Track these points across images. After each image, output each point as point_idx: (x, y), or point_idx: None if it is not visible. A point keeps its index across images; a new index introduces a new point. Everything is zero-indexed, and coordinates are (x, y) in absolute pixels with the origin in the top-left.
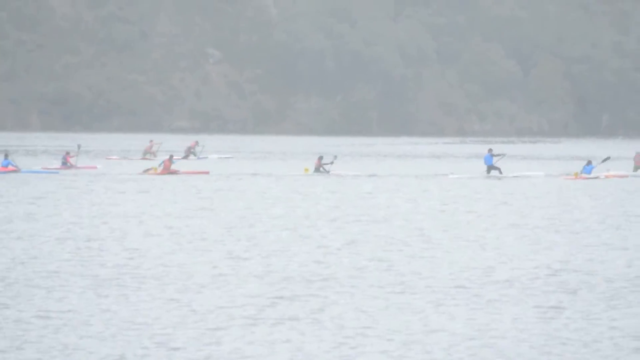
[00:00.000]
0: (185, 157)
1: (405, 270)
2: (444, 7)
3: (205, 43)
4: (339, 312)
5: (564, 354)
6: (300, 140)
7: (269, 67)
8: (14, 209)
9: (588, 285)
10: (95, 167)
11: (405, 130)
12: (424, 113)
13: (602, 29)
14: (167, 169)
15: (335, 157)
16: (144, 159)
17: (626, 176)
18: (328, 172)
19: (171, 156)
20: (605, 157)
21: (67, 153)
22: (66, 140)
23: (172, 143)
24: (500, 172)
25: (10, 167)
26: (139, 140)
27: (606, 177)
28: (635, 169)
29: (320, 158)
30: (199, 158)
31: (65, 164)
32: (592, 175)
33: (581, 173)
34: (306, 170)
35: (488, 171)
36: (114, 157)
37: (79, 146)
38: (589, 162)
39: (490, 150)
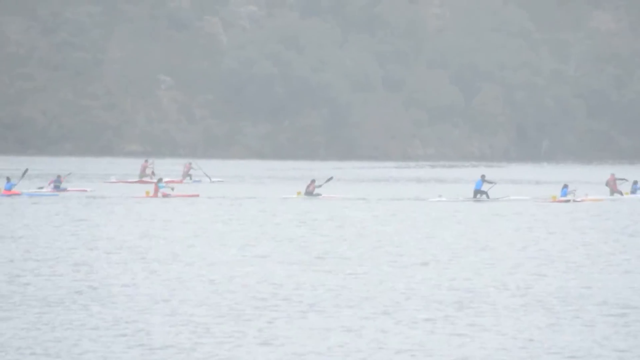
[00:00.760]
0: (182, 180)
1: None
2: (389, 35)
3: (156, 69)
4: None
5: None
6: (250, 164)
7: (219, 93)
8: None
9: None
10: (86, 190)
11: (351, 154)
12: (369, 138)
13: (542, 57)
14: (157, 192)
15: (331, 178)
16: (141, 181)
17: (602, 200)
18: (319, 194)
19: (160, 179)
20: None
21: (59, 176)
22: (21, 164)
23: (166, 167)
24: (488, 197)
25: (14, 191)
26: (92, 164)
27: (583, 200)
28: (612, 193)
29: (313, 181)
30: (194, 181)
31: (57, 187)
32: (567, 198)
33: (559, 197)
34: (298, 193)
35: (474, 195)
36: (113, 180)
37: (69, 173)
38: (565, 186)
39: (482, 176)
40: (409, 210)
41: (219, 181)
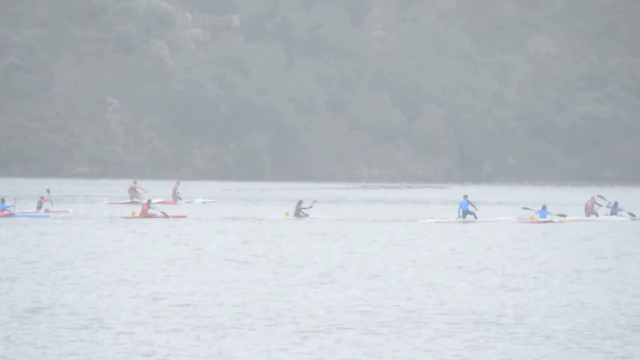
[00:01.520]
0: (174, 201)
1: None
2: (333, 58)
3: (104, 92)
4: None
5: None
6: (197, 185)
7: (166, 115)
8: None
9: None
10: (68, 211)
11: (297, 175)
12: (314, 159)
13: (484, 80)
14: (145, 213)
15: (315, 201)
16: (132, 202)
17: (579, 221)
18: (307, 215)
19: (149, 200)
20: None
21: (42, 197)
22: None
23: (156, 189)
24: (476, 217)
25: (6, 212)
26: (40, 185)
27: (560, 221)
28: (588, 214)
29: (300, 202)
30: (186, 202)
31: (40, 208)
32: (547, 219)
33: (537, 217)
34: (287, 214)
35: (464, 216)
36: (105, 202)
37: (48, 190)
38: (544, 207)
39: (465, 196)
40: (411, 232)
41: (210, 202)
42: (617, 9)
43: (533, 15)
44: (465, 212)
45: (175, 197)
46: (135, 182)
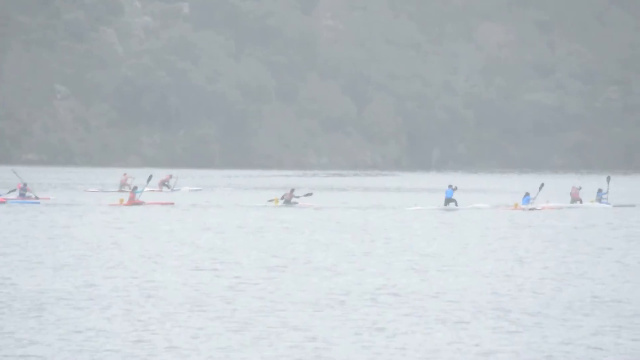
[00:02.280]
0: (159, 190)
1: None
2: (283, 46)
3: (53, 79)
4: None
5: None
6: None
7: (115, 103)
8: None
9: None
10: (49, 198)
11: (246, 163)
12: (263, 147)
13: (433, 68)
14: (132, 201)
15: (311, 193)
16: (120, 191)
17: (562, 208)
18: (297, 203)
19: (135, 187)
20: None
21: (25, 184)
22: None
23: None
24: (456, 204)
25: (0, 199)
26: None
27: (543, 208)
28: (573, 201)
29: (292, 190)
30: (173, 190)
31: (23, 194)
32: (529, 206)
33: (520, 204)
34: (276, 201)
35: (446, 203)
36: (93, 190)
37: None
38: (527, 194)
39: (450, 185)
40: (397, 218)
41: (196, 190)
42: None
43: (482, 3)
44: (448, 200)
45: (162, 185)
46: (125, 174)
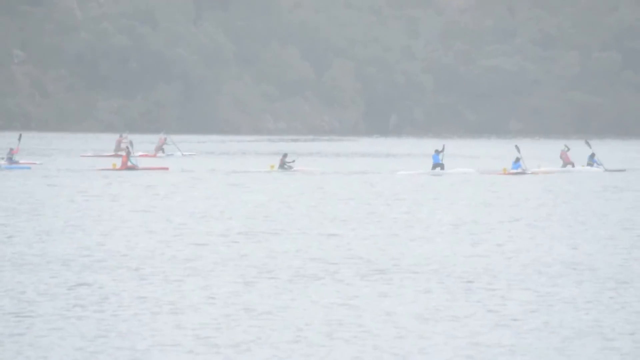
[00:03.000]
0: (155, 154)
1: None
2: (242, 11)
3: (10, 44)
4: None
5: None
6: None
7: (72, 67)
8: None
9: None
10: (35, 163)
11: (204, 128)
12: (221, 112)
13: (392, 33)
14: (125, 165)
15: (294, 160)
16: (116, 155)
17: (554, 172)
18: (292, 168)
19: (128, 152)
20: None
21: (11, 149)
22: None
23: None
24: (442, 169)
25: None
26: None
27: (533, 173)
28: (565, 165)
29: (285, 155)
30: (167, 155)
31: (10, 159)
32: (519, 171)
33: (510, 169)
34: (272, 167)
35: (433, 168)
36: (89, 154)
37: (20, 135)
38: (517, 160)
39: (437, 150)
40: (388, 183)
41: (190, 155)
42: None
43: None
44: (436, 165)
45: (158, 150)
46: (120, 136)
